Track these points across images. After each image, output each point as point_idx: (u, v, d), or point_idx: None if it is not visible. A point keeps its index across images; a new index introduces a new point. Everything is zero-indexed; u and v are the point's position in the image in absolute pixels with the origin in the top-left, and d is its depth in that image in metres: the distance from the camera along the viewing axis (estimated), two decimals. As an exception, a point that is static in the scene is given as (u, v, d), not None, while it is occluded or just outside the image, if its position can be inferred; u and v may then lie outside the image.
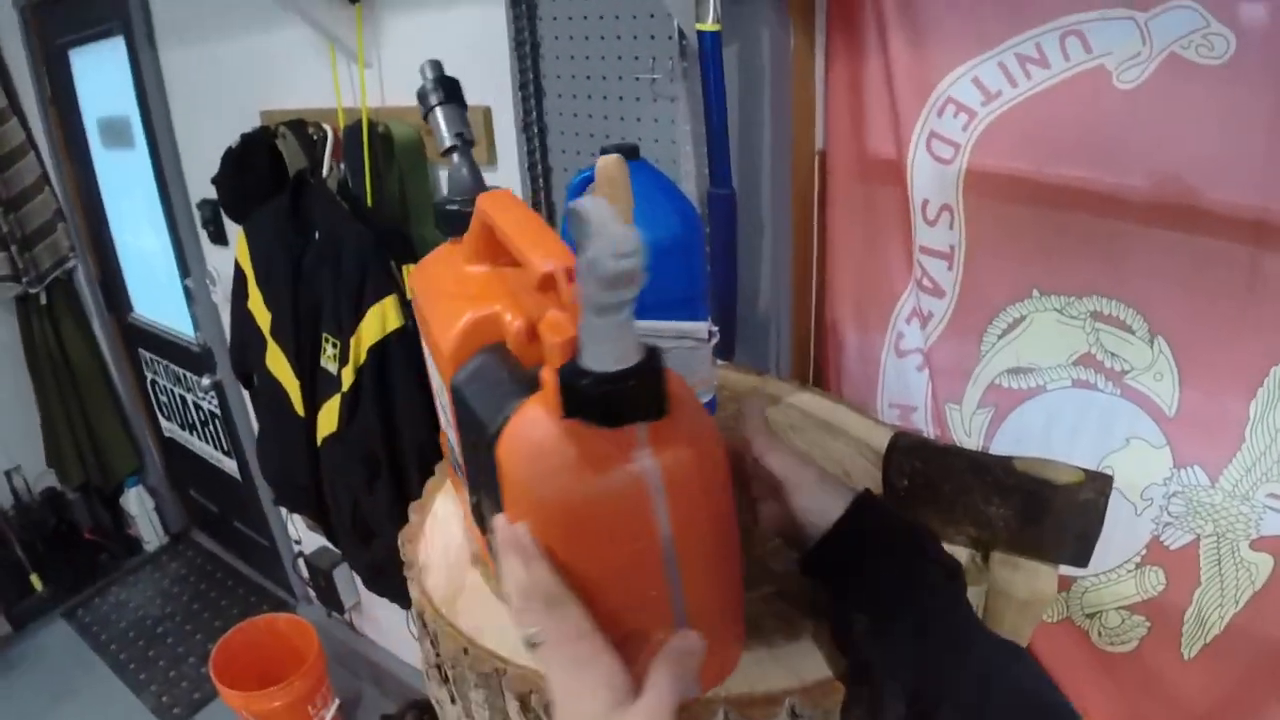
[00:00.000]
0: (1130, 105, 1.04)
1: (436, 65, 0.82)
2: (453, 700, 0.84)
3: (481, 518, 0.71)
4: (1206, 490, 1.14)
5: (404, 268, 1.61)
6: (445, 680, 0.83)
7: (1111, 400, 1.17)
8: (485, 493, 0.66)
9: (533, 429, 0.57)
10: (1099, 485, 0.77)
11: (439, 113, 0.81)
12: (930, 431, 1.33)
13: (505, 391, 0.63)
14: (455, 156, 0.81)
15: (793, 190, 1.28)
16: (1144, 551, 1.19)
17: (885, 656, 0.65)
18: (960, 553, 0.84)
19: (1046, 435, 1.22)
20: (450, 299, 0.71)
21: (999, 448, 1.26)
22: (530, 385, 0.60)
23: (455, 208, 0.78)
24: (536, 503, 0.57)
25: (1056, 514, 0.77)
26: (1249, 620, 1.15)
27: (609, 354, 0.52)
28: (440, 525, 0.93)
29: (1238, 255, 1.03)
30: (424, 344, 0.78)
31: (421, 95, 0.82)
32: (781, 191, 1.26)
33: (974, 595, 0.79)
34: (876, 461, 0.95)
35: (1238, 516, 1.12)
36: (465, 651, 0.75)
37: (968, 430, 1.28)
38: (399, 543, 0.92)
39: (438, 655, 0.82)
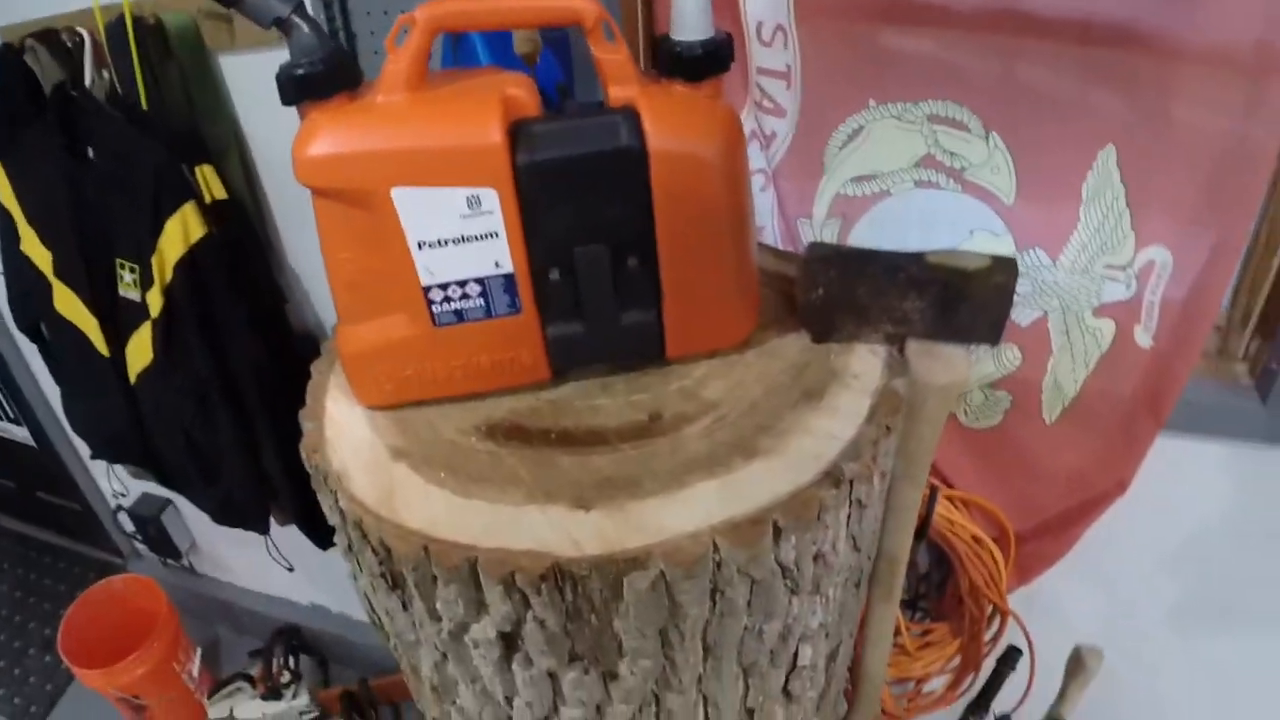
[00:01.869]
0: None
1: None
2: (404, 608, 0.81)
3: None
4: (1049, 269, 1.21)
5: (197, 170, 1.47)
6: (394, 587, 0.80)
7: (954, 197, 1.22)
8: (625, 210, 0.76)
9: (667, 109, 0.73)
10: (1007, 268, 0.81)
11: None
12: (782, 248, 1.36)
13: (588, 125, 0.74)
14: (295, 19, 0.73)
15: (622, 17, 1.24)
16: (998, 333, 1.27)
17: None
18: (879, 351, 0.86)
19: (896, 237, 1.27)
20: (423, 123, 0.73)
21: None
22: (597, 110, 0.75)
23: (307, 71, 0.72)
24: (696, 157, 0.74)
25: (971, 300, 0.80)
26: (1100, 380, 1.26)
27: (701, 26, 0.73)
28: (342, 428, 0.87)
29: (1064, 54, 1.08)
30: (387, 188, 0.73)
31: None
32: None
33: (901, 386, 0.82)
34: (774, 283, 0.96)
35: (1080, 289, 1.21)
36: (426, 550, 0.72)
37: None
38: (302, 455, 0.86)
39: (381, 564, 0.78)
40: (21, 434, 2.68)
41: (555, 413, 0.84)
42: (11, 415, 2.65)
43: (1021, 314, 1.25)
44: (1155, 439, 1.27)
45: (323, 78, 0.72)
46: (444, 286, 0.77)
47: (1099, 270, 1.19)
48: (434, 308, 0.79)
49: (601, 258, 0.77)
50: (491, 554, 0.70)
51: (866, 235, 1.28)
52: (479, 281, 0.77)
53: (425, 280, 0.77)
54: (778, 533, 0.70)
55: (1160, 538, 1.54)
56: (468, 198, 0.73)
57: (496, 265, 0.77)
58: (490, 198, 0.73)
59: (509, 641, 0.76)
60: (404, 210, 0.73)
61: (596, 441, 0.79)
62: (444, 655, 0.85)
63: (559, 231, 0.75)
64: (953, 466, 1.39)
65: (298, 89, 0.72)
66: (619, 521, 0.71)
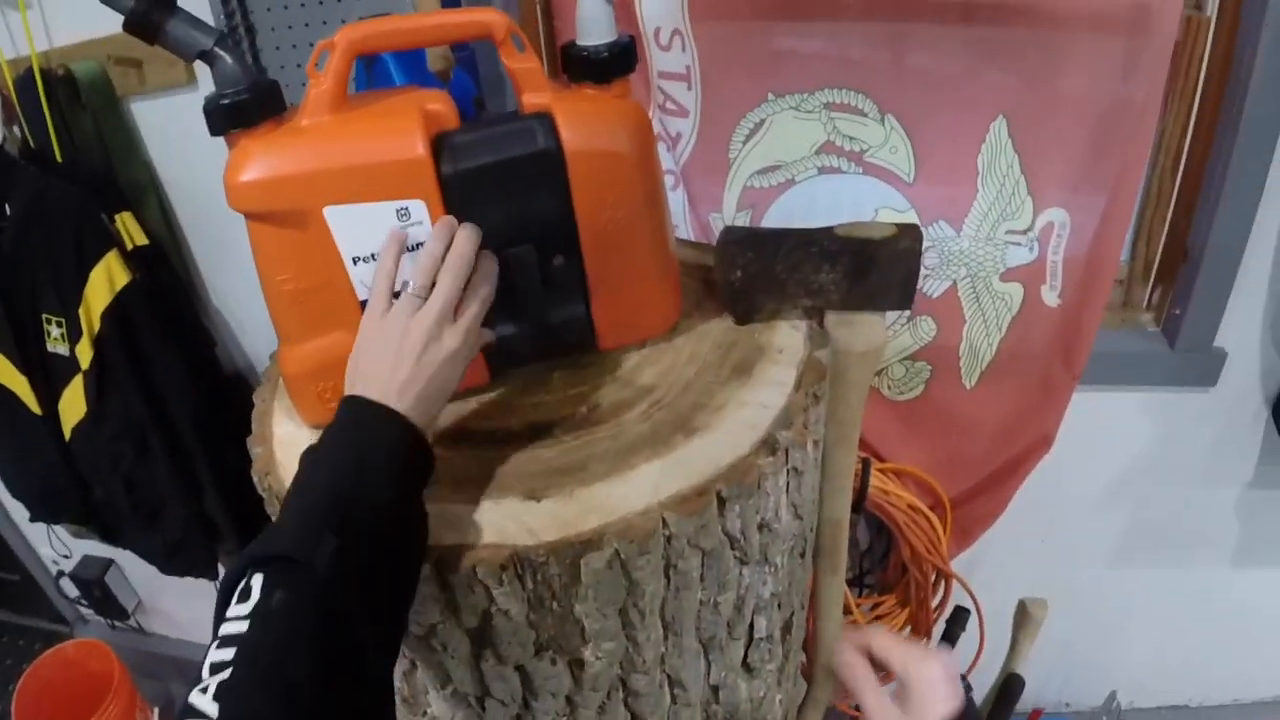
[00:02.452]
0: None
1: None
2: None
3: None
4: (954, 240, 1.27)
5: (117, 218, 1.47)
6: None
7: (856, 179, 1.28)
8: (547, 210, 0.79)
9: (579, 111, 0.77)
10: (912, 234, 0.85)
11: (173, 28, 0.73)
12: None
13: (506, 132, 0.77)
14: (218, 51, 0.74)
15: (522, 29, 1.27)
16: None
17: None
18: (800, 325, 0.90)
19: (804, 223, 1.31)
20: (349, 142, 0.74)
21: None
22: (514, 118, 0.78)
23: (233, 100, 0.73)
24: (611, 154, 0.78)
25: (881, 267, 0.85)
26: (1014, 341, 1.32)
27: (605, 30, 0.77)
28: (291, 449, 0.88)
29: (950, 34, 1.14)
30: (322, 210, 0.75)
31: (138, 24, 0.72)
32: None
33: (824, 357, 0.87)
34: (695, 274, 1.00)
35: (985, 257, 1.27)
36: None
37: (733, 236, 1.36)
38: (255, 479, 0.87)
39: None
40: (-49, 509, 2.62)
41: (498, 413, 0.86)
42: (-61, 490, 2.58)
43: (932, 285, 1.31)
44: (1072, 393, 1.34)
45: (249, 106, 0.73)
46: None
47: (1001, 237, 1.25)
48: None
49: (529, 258, 0.80)
50: (450, 550, 0.72)
51: (776, 224, 1.33)
52: (414, 292, 0.79)
53: (362, 294, 0.79)
54: (722, 502, 0.74)
55: (1088, 486, 1.61)
56: (397, 210, 0.75)
57: None
58: (419, 209, 0.75)
59: (475, 638, 0.78)
60: (337, 228, 0.75)
61: (541, 436, 0.82)
62: (413, 663, 0.87)
63: (487, 236, 0.78)
64: (883, 439, 1.45)
65: (225, 118, 0.74)
66: (570, 506, 0.73)
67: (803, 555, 0.99)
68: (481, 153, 0.76)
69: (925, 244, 1.27)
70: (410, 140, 0.73)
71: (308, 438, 0.88)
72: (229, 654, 0.54)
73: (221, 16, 1.25)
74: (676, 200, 1.36)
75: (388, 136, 0.74)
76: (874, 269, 0.84)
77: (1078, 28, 1.10)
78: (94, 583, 2.46)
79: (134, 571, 2.48)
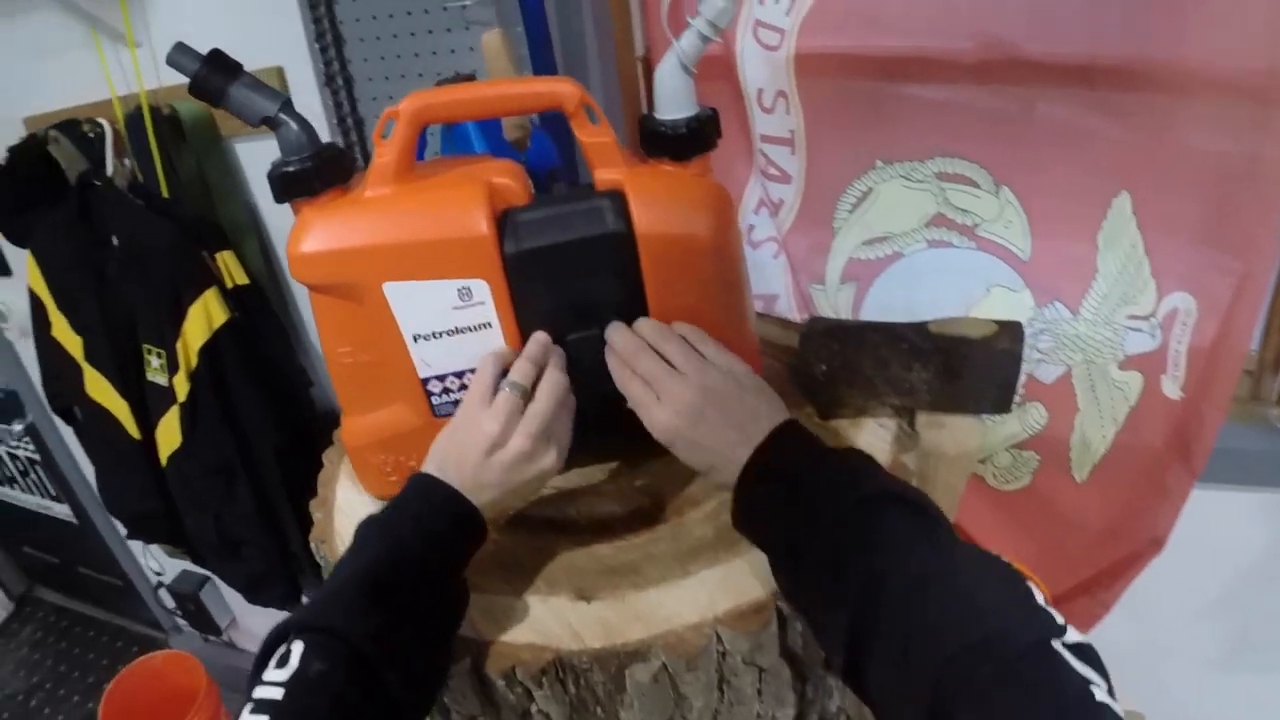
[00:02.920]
0: (951, -30, 1.04)
1: (184, 48, 0.72)
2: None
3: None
4: (1070, 322, 1.18)
5: (218, 256, 1.50)
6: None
7: (967, 254, 1.20)
8: (616, 294, 0.75)
9: (653, 190, 0.72)
10: (1013, 333, 0.79)
11: (235, 92, 0.72)
12: (796, 315, 1.34)
13: (574, 211, 0.72)
14: (283, 117, 0.73)
15: (622, 102, 1.24)
16: (1021, 390, 1.24)
17: (811, 610, 0.63)
18: (888, 424, 0.84)
19: (910, 298, 1.25)
20: (411, 216, 0.71)
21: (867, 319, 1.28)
22: (585, 194, 0.73)
23: (297, 168, 0.72)
24: (686, 237, 0.73)
25: (976, 367, 0.78)
26: (1130, 435, 1.22)
27: (684, 104, 0.71)
28: (351, 517, 0.87)
29: (1068, 99, 1.06)
30: (377, 284, 0.72)
31: (201, 87, 0.72)
32: (613, 105, 1.23)
33: (910, 460, 0.80)
34: (782, 355, 0.95)
35: (1103, 342, 1.18)
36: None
37: (834, 307, 1.30)
38: (312, 546, 0.86)
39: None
40: (63, 510, 2.72)
41: (558, 501, 0.82)
42: (53, 493, 2.68)
43: (1045, 370, 1.22)
44: (1190, 492, 1.23)
45: (312, 174, 0.72)
46: (441, 378, 0.77)
47: (1121, 321, 1.16)
48: (433, 399, 0.78)
49: (595, 344, 0.76)
50: (490, 647, 0.69)
51: (881, 297, 1.26)
52: (476, 373, 0.77)
53: (423, 372, 0.76)
54: (783, 620, 0.68)
55: (1198, 591, 1.49)
56: (459, 289, 0.72)
57: None
58: (481, 289, 0.72)
59: (517, 736, 0.75)
60: (397, 304, 0.73)
61: (599, 529, 0.78)
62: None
63: (552, 319, 0.75)
64: (984, 531, 1.36)
65: (288, 187, 0.72)
66: (620, 612, 0.69)
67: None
68: (548, 232, 0.72)
69: (1040, 326, 1.19)
70: (473, 218, 0.70)
71: (368, 506, 0.86)
72: None
73: (320, 64, 1.26)
74: (778, 268, 1.31)
75: (451, 211, 0.71)
76: (968, 370, 0.78)
77: (1206, 94, 1.01)
78: (190, 597, 2.53)
79: (229, 590, 2.52)
